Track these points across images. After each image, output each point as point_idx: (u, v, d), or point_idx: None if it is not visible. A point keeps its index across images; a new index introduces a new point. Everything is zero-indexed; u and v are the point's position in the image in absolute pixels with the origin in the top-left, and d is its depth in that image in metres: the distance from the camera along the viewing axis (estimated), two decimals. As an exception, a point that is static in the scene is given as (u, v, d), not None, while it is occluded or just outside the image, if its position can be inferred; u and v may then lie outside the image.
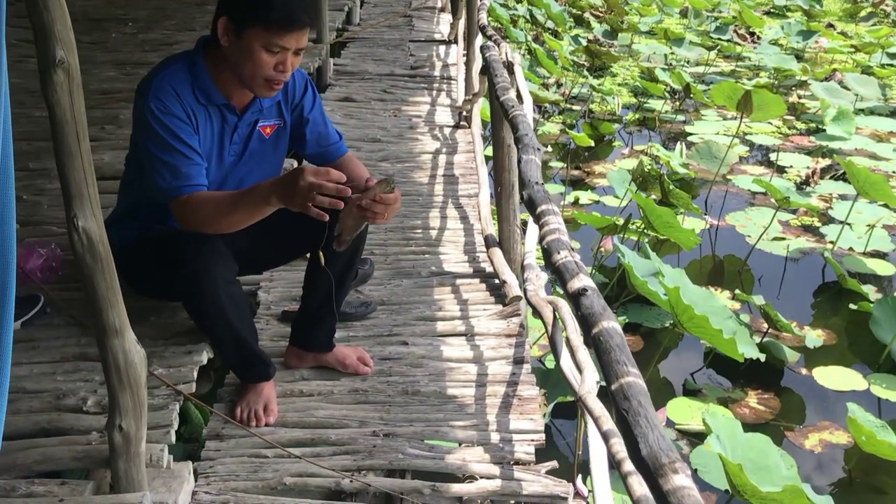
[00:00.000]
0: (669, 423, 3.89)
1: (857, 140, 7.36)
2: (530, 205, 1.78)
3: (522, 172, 1.91)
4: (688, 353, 4.53)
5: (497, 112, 2.93)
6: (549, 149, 7.01)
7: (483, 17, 3.68)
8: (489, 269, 3.23)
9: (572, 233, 5.23)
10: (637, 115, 7.95)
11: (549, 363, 3.91)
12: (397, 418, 2.39)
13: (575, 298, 1.32)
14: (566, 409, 3.75)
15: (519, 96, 2.68)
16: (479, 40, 4.65)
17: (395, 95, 5.31)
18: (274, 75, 2.11)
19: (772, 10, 11.91)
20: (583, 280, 1.35)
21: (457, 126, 4.82)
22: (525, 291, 2.32)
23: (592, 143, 6.80)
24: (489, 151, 4.02)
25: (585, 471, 3.53)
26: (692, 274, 5.09)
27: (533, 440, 2.31)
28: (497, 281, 3.10)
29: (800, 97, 8.44)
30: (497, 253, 3.11)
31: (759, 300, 4.50)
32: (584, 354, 1.75)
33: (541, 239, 1.59)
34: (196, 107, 2.18)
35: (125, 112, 4.40)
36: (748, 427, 3.83)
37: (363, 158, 4.29)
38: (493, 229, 3.33)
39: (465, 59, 5.24)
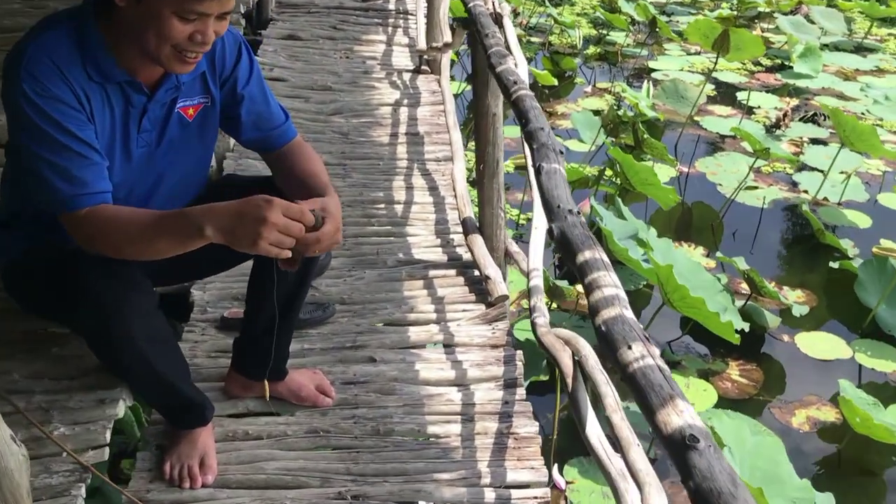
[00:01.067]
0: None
1: (824, 78, 6.94)
2: (565, 247, 1.25)
3: (546, 191, 1.37)
4: (663, 319, 4.13)
5: (482, 74, 2.35)
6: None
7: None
8: (465, 255, 2.71)
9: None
10: (598, 49, 7.37)
11: (521, 331, 3.44)
12: (368, 471, 1.88)
13: (681, 448, 0.82)
14: (539, 385, 3.31)
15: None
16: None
17: (345, 32, 4.63)
18: (189, 46, 1.51)
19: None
20: (686, 416, 0.85)
21: (417, 71, 4.20)
22: (533, 327, 1.80)
23: (556, 82, 6.24)
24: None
25: (562, 457, 3.15)
26: (661, 226, 4.65)
27: (536, 497, 1.84)
28: (477, 273, 2.58)
29: (763, 31, 7.95)
30: (477, 241, 2.58)
31: (742, 263, 4.09)
32: (625, 428, 1.26)
33: (592, 312, 1.08)
34: (88, 86, 1.55)
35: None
36: (731, 403, 3.49)
37: (312, 111, 3.67)
38: (470, 210, 2.79)
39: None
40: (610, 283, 1.12)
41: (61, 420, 1.74)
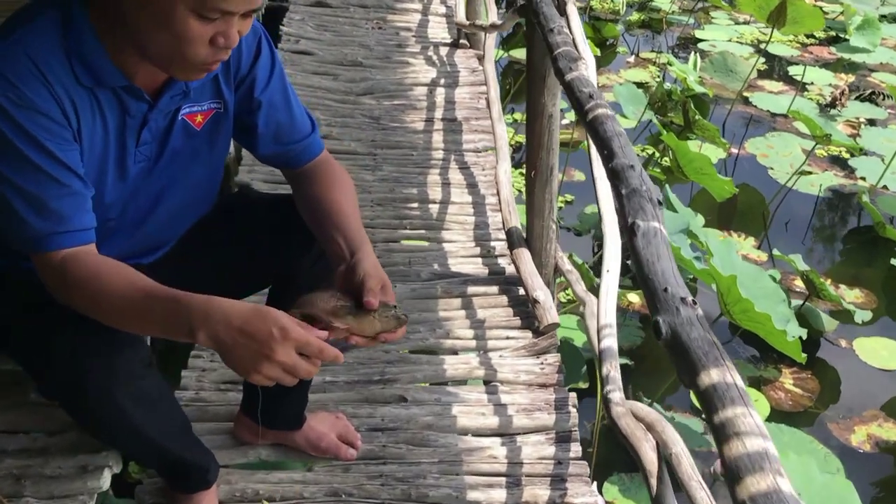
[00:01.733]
0: (696, 412, 3.15)
1: (883, 53, 6.42)
2: (679, 354, 0.90)
3: (645, 264, 1.01)
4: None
5: (538, 69, 1.98)
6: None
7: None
8: (509, 268, 2.36)
9: (577, 157, 4.33)
10: (641, 16, 6.88)
11: (568, 330, 3.09)
12: (398, 551, 1.57)
13: None
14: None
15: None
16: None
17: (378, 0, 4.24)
18: (209, 55, 1.16)
19: None
20: None
21: (455, 45, 3.80)
22: (606, 403, 1.45)
23: (598, 52, 5.79)
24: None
25: (603, 473, 2.83)
26: (705, 210, 4.26)
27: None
28: (522, 292, 2.24)
29: (817, 0, 7.40)
30: (524, 256, 2.23)
31: (800, 262, 3.71)
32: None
33: (730, 475, 0.73)
34: (76, 91, 1.21)
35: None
36: (786, 417, 3.16)
37: (342, 91, 3.30)
38: (517, 219, 2.42)
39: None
40: (753, 430, 0.77)
41: (35, 492, 1.44)
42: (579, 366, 2.98)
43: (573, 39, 1.72)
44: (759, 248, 4.13)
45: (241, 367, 1.09)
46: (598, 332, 1.58)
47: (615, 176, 1.21)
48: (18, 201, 1.19)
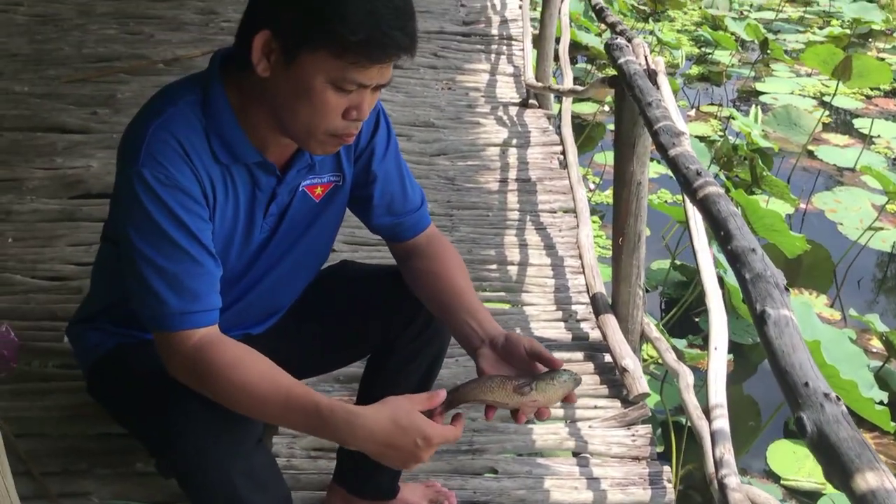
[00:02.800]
0: (772, 477, 3.05)
1: (950, 105, 6.30)
2: (826, 454, 0.87)
3: (780, 356, 0.98)
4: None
5: (626, 136, 1.98)
6: (606, 108, 5.99)
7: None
8: (592, 333, 2.34)
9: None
10: (701, 69, 6.87)
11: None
12: None
13: None
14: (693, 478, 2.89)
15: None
16: (566, 3, 3.61)
17: (447, 60, 4.28)
18: (343, 127, 1.19)
19: (839, -53, 10.55)
20: None
21: (524, 104, 3.83)
22: (721, 488, 1.41)
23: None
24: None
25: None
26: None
27: None
28: (608, 359, 2.21)
29: (879, 51, 7.32)
30: (611, 323, 2.20)
31: (878, 323, 3.60)
32: None
33: None
34: (213, 169, 1.25)
35: (125, 89, 3.44)
36: (868, 485, 3.03)
37: (416, 151, 3.34)
38: (601, 284, 2.41)
39: (532, 18, 4.19)
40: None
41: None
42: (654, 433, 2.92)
43: (670, 113, 1.72)
44: (831, 306, 4.04)
45: (396, 466, 1.16)
46: (709, 412, 1.55)
47: (736, 259, 1.19)
48: (156, 278, 1.22)
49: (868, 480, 0.83)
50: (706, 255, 1.72)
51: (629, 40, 2.02)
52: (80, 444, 1.71)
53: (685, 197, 1.38)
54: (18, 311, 2.11)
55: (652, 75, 1.89)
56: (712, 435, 1.49)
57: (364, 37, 1.11)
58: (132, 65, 3.58)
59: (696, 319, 3.58)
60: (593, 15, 4.12)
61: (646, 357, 3.20)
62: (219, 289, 1.27)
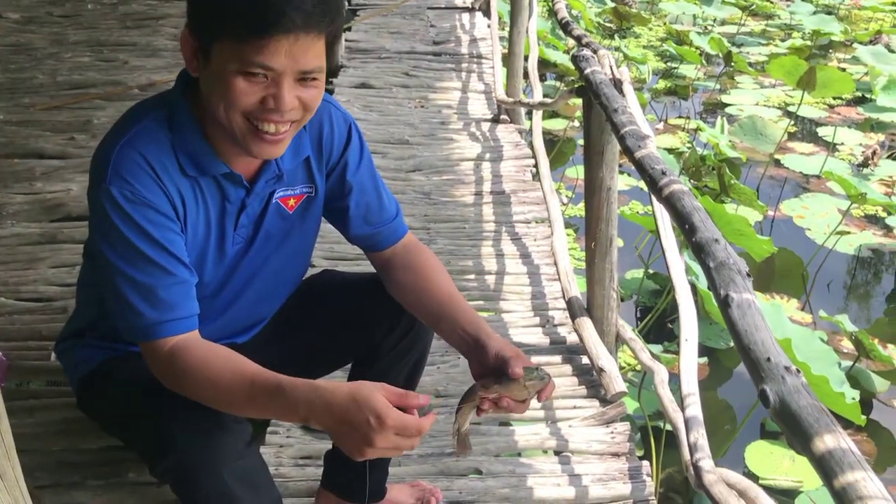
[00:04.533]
0: (751, 478, 3.12)
1: (908, 111, 6.49)
2: (789, 424, 0.93)
3: (743, 335, 1.05)
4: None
5: (595, 144, 2.07)
6: (576, 123, 6.12)
7: (563, 9, 2.74)
8: (569, 337, 2.41)
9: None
10: (667, 84, 7.02)
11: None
12: None
13: None
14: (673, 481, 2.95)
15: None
16: (533, 21, 3.71)
17: (419, 79, 4.37)
18: (260, 115, 1.21)
19: (797, -38, 10.84)
20: None
21: (496, 120, 3.93)
22: (696, 471, 1.48)
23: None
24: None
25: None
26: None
27: None
28: (586, 362, 2.28)
29: (840, 61, 7.53)
30: (587, 325, 2.28)
31: (847, 323, 3.71)
32: None
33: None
34: (182, 183, 1.30)
35: (101, 115, 3.48)
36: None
37: (391, 168, 3.41)
38: (576, 289, 2.48)
39: (501, 36, 4.30)
40: (877, 494, 0.81)
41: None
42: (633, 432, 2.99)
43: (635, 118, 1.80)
44: (802, 309, 4.14)
45: (347, 450, 1.14)
46: (683, 400, 1.62)
47: (700, 250, 1.27)
48: (130, 291, 1.27)
49: (826, 442, 0.91)
50: (674, 251, 1.80)
51: (595, 52, 2.11)
52: (71, 457, 1.74)
53: (652, 197, 1.46)
54: (4, 332, 2.14)
55: (617, 84, 1.98)
56: (686, 423, 1.56)
57: (248, 13, 1.14)
58: (107, 91, 3.62)
59: (671, 326, 3.66)
60: (561, 32, 4.23)
61: (623, 364, 3.28)
62: (194, 295, 1.32)
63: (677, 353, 3.47)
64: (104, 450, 1.74)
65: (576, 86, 2.11)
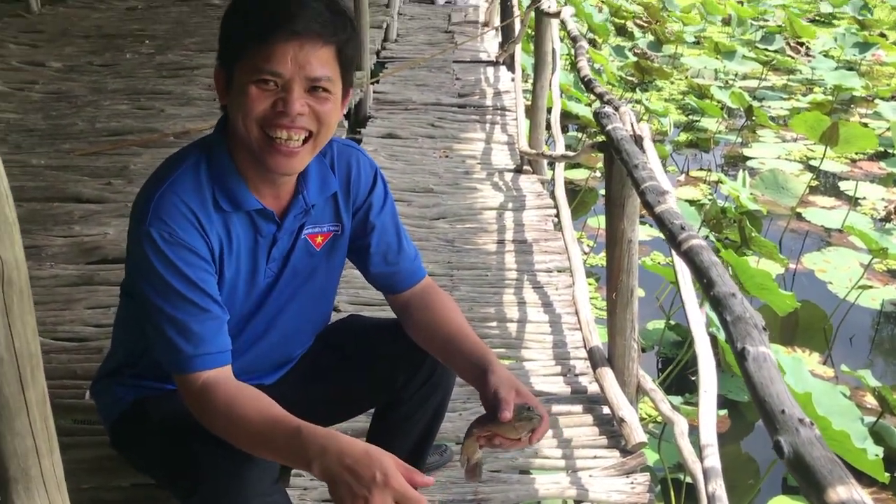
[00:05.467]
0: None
1: (930, 166, 6.52)
2: (803, 474, 0.98)
3: (759, 387, 1.10)
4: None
5: (617, 197, 2.13)
6: (597, 174, 6.19)
7: (585, 67, 2.84)
8: (591, 386, 2.44)
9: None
10: (689, 136, 7.10)
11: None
12: None
13: None
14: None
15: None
16: (556, 76, 3.82)
17: (444, 130, 4.49)
18: (272, 119, 1.29)
19: (818, 19, 10.92)
20: None
21: (518, 170, 4.01)
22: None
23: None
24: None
25: None
26: (768, 328, 4.29)
27: None
28: (606, 411, 2.31)
29: (862, 116, 7.58)
30: (608, 376, 2.31)
31: (870, 378, 3.70)
32: None
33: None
34: (217, 221, 1.39)
35: (137, 161, 3.60)
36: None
37: (416, 216, 3.49)
38: (598, 338, 2.52)
39: (525, 89, 4.41)
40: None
41: None
42: (653, 484, 2.99)
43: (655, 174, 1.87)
44: (824, 363, 4.13)
45: (339, 500, 1.17)
46: (701, 451, 1.65)
47: (718, 304, 1.31)
48: (168, 326, 1.34)
49: (839, 493, 0.94)
50: (693, 304, 1.84)
51: (616, 108, 2.19)
52: (103, 494, 1.79)
53: (672, 251, 1.51)
54: (41, 370, 2.21)
55: (638, 140, 2.05)
56: (705, 473, 1.59)
57: (255, 22, 1.27)
58: (144, 138, 3.75)
59: (693, 378, 3.67)
60: (583, 86, 4.34)
61: (644, 416, 3.29)
62: (226, 332, 1.39)
63: (698, 404, 3.50)
64: (135, 487, 1.80)
65: (598, 141, 2.18)
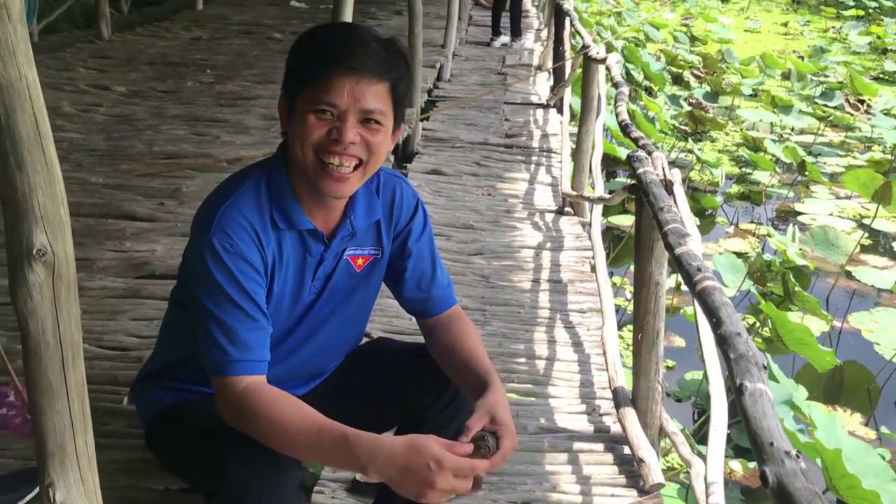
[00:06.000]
0: None
1: None
2: (784, 502, 1.05)
3: (752, 420, 1.17)
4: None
5: (646, 241, 2.20)
6: (645, 221, 6.22)
7: (624, 112, 2.94)
8: (614, 426, 2.48)
9: (677, 322, 4.44)
10: (740, 188, 7.10)
11: (668, 499, 3.10)
12: None
13: None
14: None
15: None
16: (599, 120, 3.92)
17: (489, 169, 4.61)
18: (327, 145, 1.42)
19: (882, 77, 10.88)
20: None
21: (560, 212, 4.09)
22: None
23: (696, 220, 6.00)
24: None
25: None
26: (809, 384, 4.26)
27: None
28: (628, 451, 2.35)
29: (920, 175, 7.48)
30: (630, 416, 2.36)
31: (913, 444, 3.65)
32: None
33: None
34: (272, 238, 1.51)
35: (190, 184, 3.79)
36: None
37: (454, 250, 3.59)
38: (623, 379, 2.58)
39: (570, 132, 4.51)
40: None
41: None
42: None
43: (680, 217, 1.94)
44: (866, 425, 4.08)
45: (410, 494, 1.29)
46: (707, 488, 1.69)
47: (723, 342, 1.38)
48: (217, 329, 1.45)
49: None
50: (710, 346, 1.89)
51: (649, 153, 2.27)
52: (133, 493, 1.90)
53: (692, 292, 1.58)
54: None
55: (668, 185, 2.13)
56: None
57: (317, 58, 1.41)
58: (198, 162, 3.95)
59: (728, 431, 3.66)
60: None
61: (675, 466, 3.30)
62: (269, 344, 1.50)
63: (733, 456, 3.49)
64: (164, 490, 1.90)
65: (630, 184, 2.26)
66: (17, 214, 0.91)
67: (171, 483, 1.94)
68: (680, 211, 2.02)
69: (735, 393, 1.27)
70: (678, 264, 1.69)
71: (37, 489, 1.84)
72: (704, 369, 1.84)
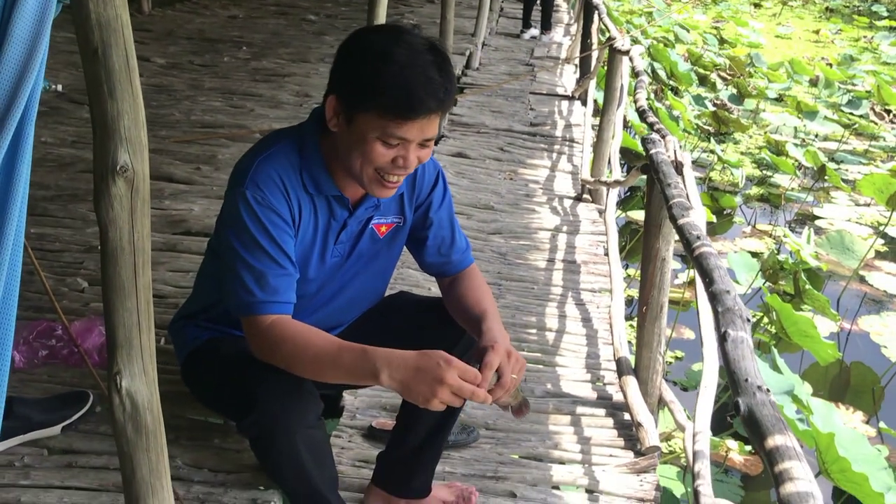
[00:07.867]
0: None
1: None
2: (752, 427, 1.19)
3: (731, 361, 1.33)
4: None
5: (655, 218, 2.35)
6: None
7: (642, 98, 3.10)
8: (616, 395, 2.64)
9: (685, 316, 4.57)
10: (760, 190, 7.19)
11: (668, 480, 3.25)
12: None
13: None
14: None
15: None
16: (620, 110, 4.06)
17: (511, 155, 4.76)
18: (390, 170, 1.58)
19: (910, 87, 10.92)
20: None
21: (578, 199, 4.24)
22: (696, 497, 1.71)
23: (714, 219, 6.12)
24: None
25: None
26: (816, 382, 4.39)
27: None
28: (628, 417, 2.51)
29: (942, 188, 7.53)
30: (631, 384, 2.51)
31: (910, 440, 3.77)
32: None
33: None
34: (302, 196, 1.67)
35: (225, 152, 3.98)
36: None
37: (474, 228, 3.76)
38: (627, 350, 2.73)
39: (593, 124, 4.65)
40: (803, 477, 1.05)
41: (214, 512, 1.80)
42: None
43: (686, 194, 2.09)
44: (867, 423, 4.19)
45: (420, 397, 1.44)
46: (693, 436, 1.85)
47: (714, 298, 1.53)
48: (247, 274, 1.62)
49: (776, 440, 1.15)
50: (706, 306, 2.04)
51: (663, 137, 2.42)
52: (168, 420, 2.06)
53: (690, 258, 1.73)
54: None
55: (679, 166, 2.28)
56: (694, 456, 1.78)
57: (398, 102, 1.51)
58: (233, 132, 4.13)
59: (730, 420, 3.80)
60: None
61: (677, 450, 3.44)
62: (295, 287, 1.66)
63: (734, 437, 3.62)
64: (196, 420, 2.08)
65: (643, 164, 2.41)
66: (105, 135, 1.08)
67: (201, 415, 2.11)
68: (688, 189, 2.17)
69: (719, 340, 1.42)
70: (679, 232, 1.85)
71: (84, 408, 2.04)
72: (699, 322, 1.99)
